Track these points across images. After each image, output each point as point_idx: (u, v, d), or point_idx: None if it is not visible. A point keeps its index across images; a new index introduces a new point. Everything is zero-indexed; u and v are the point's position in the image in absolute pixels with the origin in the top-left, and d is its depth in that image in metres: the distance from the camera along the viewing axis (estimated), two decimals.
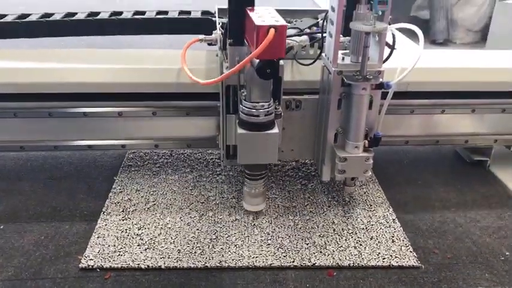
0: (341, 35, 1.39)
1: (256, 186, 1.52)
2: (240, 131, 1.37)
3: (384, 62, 1.40)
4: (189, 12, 1.94)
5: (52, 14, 1.94)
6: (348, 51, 1.44)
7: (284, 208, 1.61)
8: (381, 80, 1.37)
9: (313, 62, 1.50)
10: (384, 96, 1.43)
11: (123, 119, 1.64)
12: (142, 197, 1.66)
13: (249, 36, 1.30)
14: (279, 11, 1.60)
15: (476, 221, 1.60)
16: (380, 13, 1.29)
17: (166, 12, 1.94)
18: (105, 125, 1.66)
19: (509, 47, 2.71)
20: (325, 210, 1.61)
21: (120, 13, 1.93)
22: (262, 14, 1.28)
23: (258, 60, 1.26)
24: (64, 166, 1.85)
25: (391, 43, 1.41)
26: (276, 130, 1.38)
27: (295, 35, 1.56)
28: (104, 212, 1.57)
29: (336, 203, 1.65)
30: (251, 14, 1.28)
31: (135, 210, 1.59)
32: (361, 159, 1.45)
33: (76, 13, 1.94)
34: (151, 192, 1.68)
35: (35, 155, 1.92)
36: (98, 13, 1.92)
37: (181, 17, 1.90)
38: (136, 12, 1.93)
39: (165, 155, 1.91)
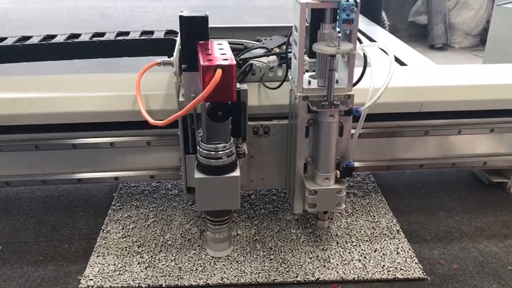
0: (308, 57, 1.30)
1: (220, 231, 1.41)
2: (197, 175, 1.26)
3: (355, 84, 1.29)
4: (151, 33, 1.83)
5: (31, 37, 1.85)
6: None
7: (286, 221, 1.59)
8: (350, 106, 1.26)
9: (280, 85, 1.41)
10: (356, 120, 1.32)
11: (115, 150, 1.56)
12: (142, 213, 1.64)
13: (199, 71, 1.19)
14: (246, 28, 1.51)
15: (481, 230, 1.57)
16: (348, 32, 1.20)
17: (127, 33, 1.83)
18: (96, 157, 1.57)
19: (509, 51, 2.69)
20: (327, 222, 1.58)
21: (78, 35, 1.83)
22: (212, 50, 1.20)
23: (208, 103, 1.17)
24: (62, 184, 1.83)
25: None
26: (237, 173, 1.27)
27: (261, 56, 1.46)
28: (104, 229, 1.55)
29: (338, 215, 1.62)
30: (199, 49, 1.21)
31: (135, 227, 1.56)
32: (332, 192, 1.33)
33: (31, 36, 1.84)
34: (151, 209, 1.66)
35: None
36: (53, 36, 1.83)
37: (142, 38, 1.80)
38: (96, 34, 1.83)
39: None
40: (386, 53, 1.27)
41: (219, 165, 1.26)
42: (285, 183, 1.54)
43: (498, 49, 2.84)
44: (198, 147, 1.29)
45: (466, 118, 1.61)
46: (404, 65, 2.03)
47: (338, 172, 1.34)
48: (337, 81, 1.29)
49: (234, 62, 1.13)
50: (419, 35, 5.52)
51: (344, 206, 1.37)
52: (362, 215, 1.63)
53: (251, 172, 1.50)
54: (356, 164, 1.59)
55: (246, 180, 1.47)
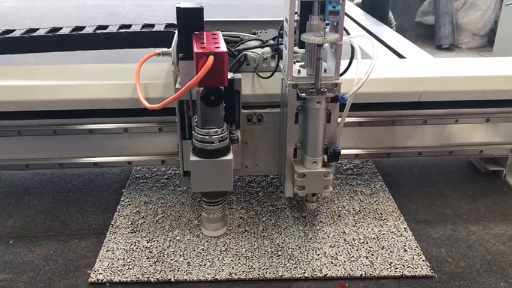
0: (298, 48, 1.37)
1: (214, 211, 1.48)
2: (192, 158, 1.34)
3: (342, 74, 1.36)
4: (152, 26, 1.89)
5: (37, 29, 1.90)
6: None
7: (294, 218, 1.60)
8: (336, 93, 1.32)
9: (272, 74, 1.48)
10: (342, 109, 1.38)
11: (128, 135, 1.63)
12: (150, 209, 1.65)
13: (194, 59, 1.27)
14: (244, 22, 1.64)
15: (489, 229, 1.58)
16: (335, 23, 1.27)
17: (129, 26, 1.89)
18: (110, 142, 1.64)
19: None
20: (335, 220, 1.59)
21: (82, 28, 1.88)
22: (206, 39, 1.27)
23: (202, 88, 1.25)
24: (72, 179, 1.85)
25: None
26: (229, 157, 1.34)
27: (255, 47, 1.53)
28: (113, 225, 1.57)
29: (346, 213, 1.63)
30: (194, 39, 1.28)
31: (144, 222, 1.58)
32: (319, 175, 1.40)
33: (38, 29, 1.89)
34: (160, 204, 1.67)
35: (43, 169, 1.92)
36: (59, 28, 1.88)
37: (143, 30, 1.85)
38: (99, 27, 1.88)
39: (172, 167, 1.90)
40: (373, 45, 1.34)
41: (212, 149, 1.33)
42: (277, 169, 1.59)
43: (506, 49, 2.84)
44: (193, 132, 1.35)
45: (463, 108, 1.67)
46: (403, 57, 2.16)
47: (325, 156, 1.41)
48: (325, 71, 1.35)
49: (225, 50, 1.20)
50: (427, 36, 5.51)
51: (331, 188, 1.43)
52: (369, 212, 1.63)
53: (245, 158, 1.57)
54: (358, 151, 1.72)
55: (239, 165, 1.53)
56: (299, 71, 1.37)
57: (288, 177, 1.47)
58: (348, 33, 1.37)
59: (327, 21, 1.27)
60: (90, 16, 3.94)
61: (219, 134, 1.33)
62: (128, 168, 1.91)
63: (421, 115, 1.67)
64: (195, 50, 1.20)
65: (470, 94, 1.65)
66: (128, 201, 1.69)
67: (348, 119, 1.56)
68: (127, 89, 1.54)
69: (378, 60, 1.30)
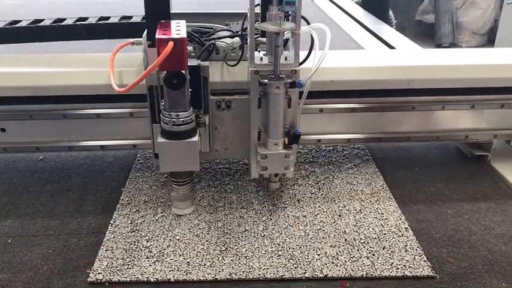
0: (261, 37, 1.49)
1: (183, 190, 1.57)
2: (159, 139, 1.43)
3: (303, 62, 1.45)
4: (130, 17, 1.97)
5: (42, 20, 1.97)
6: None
7: (294, 218, 1.59)
8: (293, 79, 1.42)
9: (237, 62, 1.58)
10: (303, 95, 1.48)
11: (134, 120, 1.69)
12: (150, 208, 1.64)
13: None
14: (217, 14, 1.80)
15: (491, 229, 1.57)
16: (290, 13, 1.37)
17: (107, 18, 1.98)
18: (117, 126, 1.72)
19: None
20: (336, 219, 1.58)
21: (63, 20, 1.96)
22: (169, 27, 1.35)
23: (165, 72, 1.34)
24: (72, 178, 1.84)
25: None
26: (195, 139, 1.43)
27: (223, 37, 1.63)
28: (112, 224, 1.56)
29: (347, 212, 1.62)
30: (159, 26, 1.36)
31: (144, 221, 1.57)
32: (280, 156, 1.50)
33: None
34: (160, 203, 1.66)
35: (42, 167, 1.91)
36: (41, 20, 1.95)
37: (121, 22, 1.93)
38: (79, 19, 1.96)
39: None
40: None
41: (179, 131, 1.42)
42: (246, 153, 1.67)
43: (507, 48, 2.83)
44: (161, 116, 1.44)
45: (449, 95, 1.77)
46: (393, 48, 2.38)
47: (286, 139, 1.50)
48: (286, 59, 1.45)
49: (185, 36, 1.30)
50: (426, 34, 5.50)
51: (292, 169, 1.54)
52: (370, 212, 1.62)
53: (216, 143, 1.68)
54: (350, 136, 1.83)
55: (207, 148, 1.63)
56: (261, 59, 1.46)
57: (253, 160, 1.56)
58: (308, 23, 1.46)
59: (284, 11, 1.36)
60: (90, 14, 3.91)
61: (185, 117, 1.41)
62: (128, 167, 1.90)
63: (410, 102, 1.76)
64: (157, 36, 1.30)
65: (456, 82, 1.74)
66: (128, 200, 1.68)
67: (340, 106, 1.75)
68: (132, 76, 1.59)
69: (328, 48, 1.38)
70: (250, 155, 1.57)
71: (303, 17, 1.40)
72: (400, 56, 2.05)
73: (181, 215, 1.60)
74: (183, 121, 1.41)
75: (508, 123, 1.84)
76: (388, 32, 3.01)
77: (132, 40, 1.60)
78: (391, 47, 2.62)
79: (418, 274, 1.36)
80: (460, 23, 5.33)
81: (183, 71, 1.35)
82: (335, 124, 1.78)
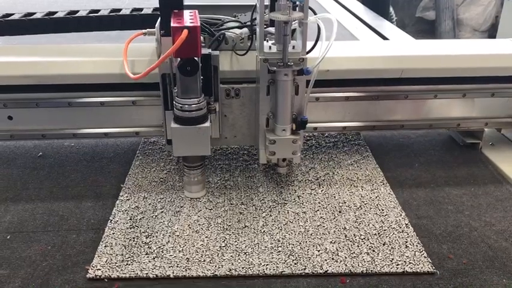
0: (270, 27, 1.53)
1: (194, 175, 1.63)
2: (173, 125, 1.49)
3: (309, 52, 1.49)
4: (141, 9, 2.02)
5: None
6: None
7: (294, 214, 1.59)
8: (301, 66, 1.47)
9: (246, 52, 1.63)
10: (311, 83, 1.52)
11: (136, 108, 1.75)
12: (149, 204, 1.63)
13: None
14: (225, 6, 1.86)
15: (491, 225, 1.56)
16: (298, 3, 1.40)
17: (119, 10, 2.02)
18: (120, 114, 1.78)
19: None
20: (336, 215, 1.58)
21: (76, 12, 2.00)
22: (183, 17, 1.40)
23: (179, 59, 1.39)
24: (71, 174, 1.83)
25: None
26: (207, 124, 1.49)
27: (232, 28, 1.68)
28: (111, 220, 1.55)
29: (347, 208, 1.61)
30: (173, 16, 1.41)
31: (143, 218, 1.56)
32: (288, 141, 1.56)
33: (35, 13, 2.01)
34: (159, 200, 1.66)
35: (41, 164, 1.90)
36: (55, 12, 1.99)
37: (132, 13, 1.98)
38: (91, 11, 2.01)
39: (172, 162, 1.89)
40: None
41: (191, 116, 1.47)
42: (254, 140, 1.73)
43: None
44: (174, 102, 1.49)
45: (441, 84, 1.82)
46: (387, 39, 2.49)
47: (294, 125, 1.56)
48: (293, 48, 1.50)
49: (198, 25, 1.35)
50: (427, 31, 5.49)
51: (299, 154, 1.60)
52: (370, 208, 1.62)
53: (225, 130, 1.75)
54: (345, 124, 1.88)
55: (217, 134, 1.70)
56: (270, 47, 1.52)
57: (262, 145, 1.63)
58: (315, 13, 1.50)
59: (293, 1, 1.40)
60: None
61: (197, 104, 1.47)
62: (127, 163, 1.90)
63: (403, 91, 1.82)
64: (172, 24, 1.35)
65: (447, 71, 1.80)
66: (127, 196, 1.68)
67: (336, 94, 1.81)
68: (137, 65, 1.65)
69: (334, 36, 1.42)
70: (259, 141, 1.62)
71: (309, 8, 1.44)
72: (393, 46, 2.11)
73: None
74: (195, 107, 1.46)
75: (499, 112, 1.89)
76: (387, 27, 3.04)
77: (144, 30, 1.65)
78: (383, 37, 2.72)
79: (418, 270, 1.35)
80: (460, 19, 5.32)
81: (196, 58, 1.39)
82: (331, 112, 1.84)
